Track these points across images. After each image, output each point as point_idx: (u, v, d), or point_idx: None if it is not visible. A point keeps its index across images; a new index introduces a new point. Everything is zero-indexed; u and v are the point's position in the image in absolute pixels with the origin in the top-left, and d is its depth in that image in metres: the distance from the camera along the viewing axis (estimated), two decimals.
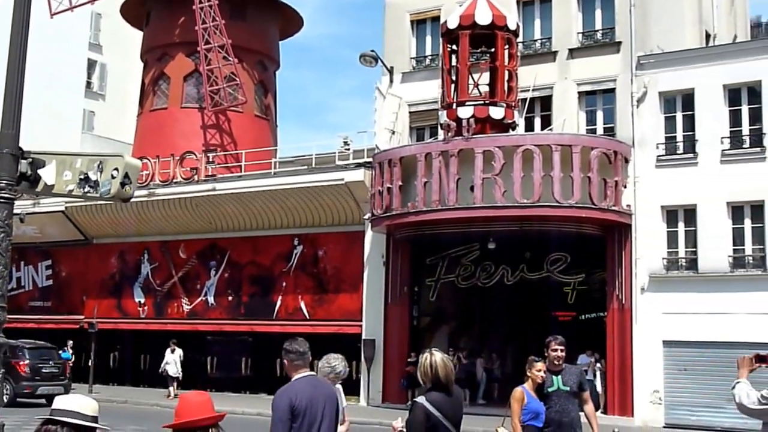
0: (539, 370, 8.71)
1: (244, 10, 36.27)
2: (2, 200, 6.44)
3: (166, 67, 36.53)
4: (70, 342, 31.67)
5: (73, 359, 31.06)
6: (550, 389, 8.78)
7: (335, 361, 7.89)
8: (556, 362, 8.88)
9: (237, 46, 34.41)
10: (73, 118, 44.40)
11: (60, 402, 4.23)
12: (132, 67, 44.23)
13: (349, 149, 29.56)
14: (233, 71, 34.35)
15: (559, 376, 8.85)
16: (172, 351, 29.52)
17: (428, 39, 29.11)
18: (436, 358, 6.33)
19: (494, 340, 28.47)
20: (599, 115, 25.92)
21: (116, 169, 6.59)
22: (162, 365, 29.47)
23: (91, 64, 47.78)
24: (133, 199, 7.51)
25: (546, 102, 26.48)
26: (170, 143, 33.45)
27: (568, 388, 8.82)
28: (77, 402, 4.23)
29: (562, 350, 8.92)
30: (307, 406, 6.25)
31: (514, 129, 25.67)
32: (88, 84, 47.65)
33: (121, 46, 46.78)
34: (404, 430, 6.43)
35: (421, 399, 6.29)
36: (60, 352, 29.71)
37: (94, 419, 4.21)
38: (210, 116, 35.29)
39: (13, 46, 6.64)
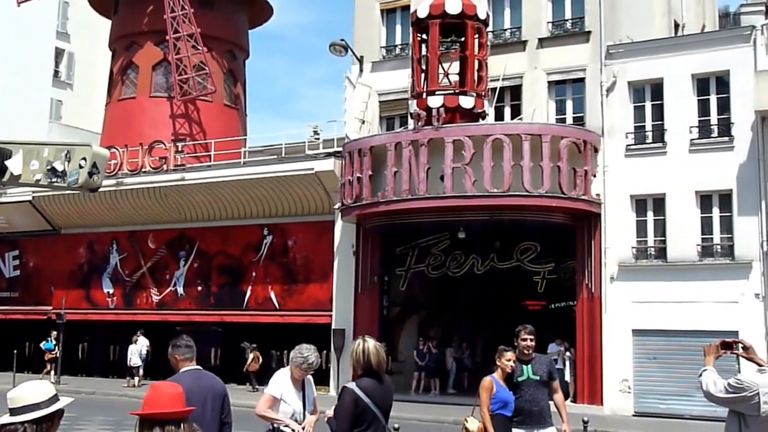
0: (509, 360, 8.70)
1: None
2: None
3: (135, 56, 36.16)
4: (54, 332, 31.04)
5: (57, 351, 30.66)
6: (519, 378, 8.78)
7: (307, 352, 7.85)
8: (525, 351, 8.91)
9: (206, 35, 34.17)
10: (41, 107, 43.93)
11: (14, 399, 4.09)
12: (100, 56, 43.80)
13: (318, 139, 29.37)
14: (202, 60, 34.11)
15: (529, 366, 8.86)
16: (135, 342, 29.52)
17: (398, 28, 28.91)
18: (369, 345, 6.34)
19: (464, 329, 28.49)
20: (569, 105, 25.85)
21: (84, 158, 6.48)
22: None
23: (59, 53, 47.20)
24: (101, 189, 7.37)
25: (516, 91, 26.40)
26: (139, 132, 33.15)
27: (537, 378, 8.82)
28: (30, 392, 4.10)
29: (531, 340, 8.93)
30: (187, 398, 6.16)
31: (484, 118, 25.56)
32: (56, 73, 47.09)
33: (89, 34, 46.23)
34: None
35: (351, 385, 6.32)
36: (42, 343, 29.46)
37: (52, 400, 4.11)
38: (179, 105, 35.00)
39: None
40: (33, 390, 4.12)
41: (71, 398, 4.31)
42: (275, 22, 65.41)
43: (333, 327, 27.29)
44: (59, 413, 4.15)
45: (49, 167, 6.51)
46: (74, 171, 6.46)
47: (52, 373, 30.54)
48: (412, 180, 24.02)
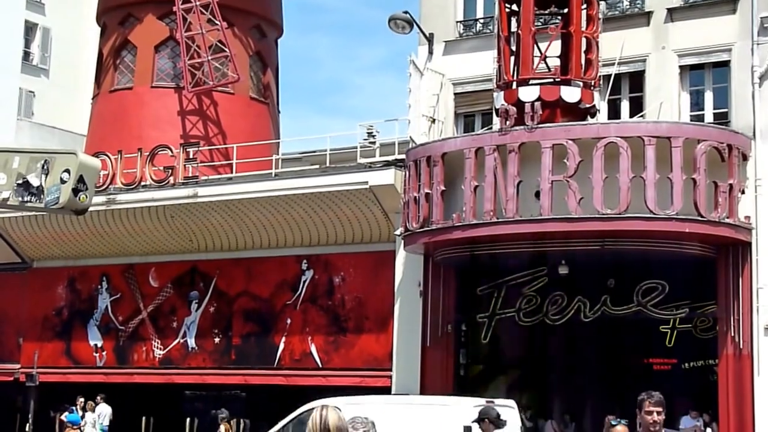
0: None
1: None
2: None
3: (132, 33, 37.20)
4: (80, 399, 31.28)
5: (82, 424, 30.34)
6: None
7: (362, 427, 8.14)
8: (652, 429, 8.65)
9: (226, 6, 35.08)
10: (6, 100, 44.81)
11: None
12: (85, 32, 44.89)
13: (374, 143, 29.96)
14: (221, 39, 34.91)
15: None
16: (91, 410, 30.90)
17: None
18: (329, 416, 6.63)
19: (568, 395, 28.75)
20: (708, 98, 26.19)
21: (67, 170, 6.83)
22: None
23: (30, 29, 48.31)
24: (74, 215, 7.41)
25: (636, 80, 26.72)
26: (137, 134, 34.21)
27: None
28: None
29: (659, 413, 8.60)
30: None
31: (593, 116, 25.91)
32: (26, 55, 48.20)
33: (71, 4, 47.43)
34: None
35: None
36: (64, 414, 29.78)
37: None
38: (190, 99, 36.00)
39: None
40: None
41: None
42: None
43: (393, 391, 27.70)
44: None
45: (20, 181, 6.85)
46: (54, 187, 6.82)
47: None
48: (497, 197, 24.32)
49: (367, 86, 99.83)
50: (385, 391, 27.74)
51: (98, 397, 31.69)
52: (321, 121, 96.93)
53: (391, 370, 28.28)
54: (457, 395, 26.86)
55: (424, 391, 27.29)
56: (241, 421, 31.46)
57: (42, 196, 6.45)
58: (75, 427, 29.52)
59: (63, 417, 29.83)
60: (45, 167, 6.49)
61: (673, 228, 23.57)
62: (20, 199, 6.50)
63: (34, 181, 6.48)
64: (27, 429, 31.92)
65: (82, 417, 29.48)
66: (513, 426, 19.90)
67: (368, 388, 27.73)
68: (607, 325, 26.42)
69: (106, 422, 31.48)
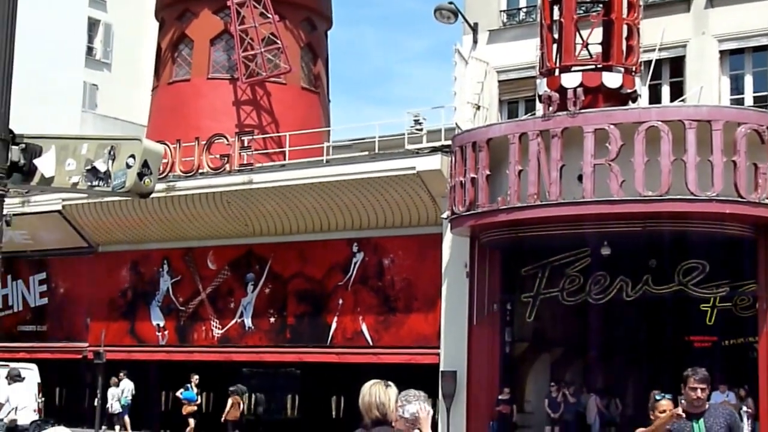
0: (663, 411, 8.72)
1: None
2: None
3: (188, 27, 37.25)
4: (195, 377, 31.38)
5: (198, 400, 31.29)
6: None
7: (415, 400, 7.88)
8: (696, 404, 8.76)
9: (278, 0, 35.01)
10: (71, 93, 45.26)
11: None
12: (145, 27, 45.02)
13: (421, 130, 29.84)
14: (273, 32, 34.95)
15: (701, 420, 8.71)
16: (115, 385, 31.38)
17: None
18: (363, 388, 6.80)
19: (610, 371, 28.45)
20: (748, 81, 25.88)
21: (132, 156, 6.59)
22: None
23: (93, 25, 48.71)
24: (132, 198, 7.55)
25: (677, 65, 26.49)
26: (194, 124, 34.12)
27: None
28: None
29: (703, 389, 8.75)
30: None
31: (635, 101, 25.68)
32: (90, 50, 48.61)
33: (131, 0, 47.57)
34: None
35: None
36: (180, 392, 30.11)
37: None
38: (244, 89, 35.91)
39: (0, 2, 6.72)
40: None
41: None
42: None
43: (441, 368, 27.69)
44: None
45: (88, 167, 6.63)
46: (120, 172, 6.59)
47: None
48: (541, 181, 24.13)
49: (413, 75, 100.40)
50: (434, 368, 27.69)
51: (121, 373, 32.08)
52: (369, 110, 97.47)
53: (439, 347, 28.14)
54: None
55: (470, 368, 27.31)
56: (254, 395, 31.49)
57: (109, 181, 6.40)
58: (191, 403, 29.64)
59: (179, 394, 29.88)
60: (111, 153, 6.46)
61: (713, 209, 23.27)
62: (89, 183, 6.44)
63: (102, 167, 6.44)
64: (95, 404, 31.87)
65: (198, 394, 30.18)
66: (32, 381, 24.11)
67: (417, 365, 27.63)
68: (648, 303, 26.14)
69: (129, 396, 31.84)
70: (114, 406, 31.56)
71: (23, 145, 6.74)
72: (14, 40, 6.77)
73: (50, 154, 6.76)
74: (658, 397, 8.77)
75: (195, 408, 29.84)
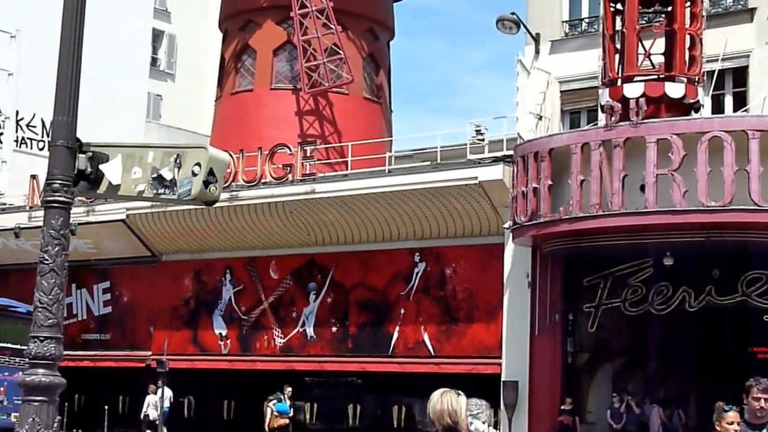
0: (731, 423, 8.59)
1: None
2: (57, 204, 6.56)
3: (252, 38, 37.58)
4: (289, 389, 30.35)
5: (291, 413, 30.18)
6: None
7: (477, 409, 7.95)
8: (758, 414, 8.67)
9: (340, 11, 35.22)
10: (135, 103, 45.81)
11: None
12: (208, 38, 45.47)
13: (483, 140, 29.84)
14: (336, 42, 35.10)
15: (764, 431, 8.70)
16: (153, 393, 31.91)
17: None
18: (433, 396, 6.82)
19: (673, 382, 28.33)
20: None
21: (198, 164, 6.64)
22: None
23: (157, 36, 49.22)
24: (197, 207, 7.65)
25: (740, 75, 26.44)
26: (257, 134, 34.41)
27: None
28: None
29: (767, 399, 8.66)
30: None
31: (697, 111, 25.61)
32: (154, 61, 49.11)
33: (194, 12, 48.17)
34: None
35: None
36: (272, 402, 29.37)
37: None
38: (307, 100, 36.17)
39: (68, 14, 6.87)
40: None
41: None
42: None
43: (503, 378, 27.75)
44: None
45: (154, 175, 6.72)
46: (186, 180, 6.67)
47: None
48: (603, 191, 24.18)
49: (475, 86, 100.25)
50: (495, 378, 27.76)
51: (159, 381, 32.35)
52: (431, 120, 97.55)
53: (500, 357, 28.18)
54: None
55: (532, 378, 27.39)
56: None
57: (175, 188, 6.44)
58: (284, 416, 29.53)
59: (271, 405, 29.73)
60: (177, 161, 6.49)
61: None
62: (155, 191, 6.49)
63: (167, 175, 6.48)
64: (158, 412, 32.27)
65: (291, 407, 29.72)
66: None
67: (479, 375, 27.69)
68: (711, 314, 25.95)
69: (167, 404, 32.28)
70: (151, 413, 32.01)
71: (90, 154, 6.81)
72: (81, 51, 6.90)
73: (116, 163, 6.88)
74: (726, 409, 8.71)
75: (287, 421, 29.39)
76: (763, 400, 8.70)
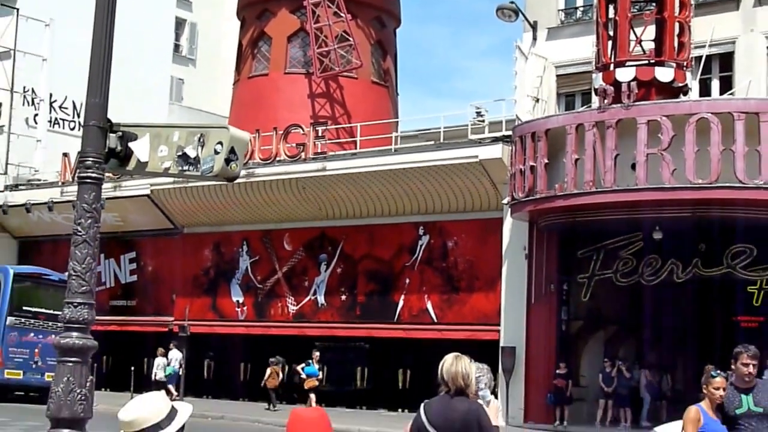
0: (718, 387, 8.48)
1: None
2: (89, 180, 6.49)
3: (267, 25, 37.41)
4: (317, 353, 30.40)
5: (320, 376, 30.10)
6: (738, 411, 8.51)
7: (479, 373, 7.93)
8: (746, 378, 8.56)
9: (350, 0, 35.01)
10: (159, 86, 45.61)
11: (131, 422, 4.25)
12: (226, 26, 45.41)
13: (483, 121, 29.78)
14: (346, 30, 35.01)
15: (750, 395, 8.54)
16: (162, 355, 32.04)
17: None
18: (447, 358, 6.72)
19: (662, 349, 28.24)
20: None
21: (220, 143, 6.62)
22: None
23: (179, 24, 49.12)
24: (219, 182, 7.57)
25: (726, 60, 26.22)
26: (272, 115, 34.22)
27: (761, 409, 8.49)
28: (146, 411, 4.27)
29: (754, 366, 8.56)
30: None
31: (686, 94, 25.47)
32: (176, 47, 49.03)
33: (214, 1, 47.97)
34: None
35: (422, 405, 6.76)
36: (301, 366, 29.52)
37: (171, 415, 4.30)
38: (319, 83, 36.01)
39: (100, 4, 6.82)
40: (148, 407, 4.26)
41: (190, 405, 4.49)
42: None
43: (501, 344, 27.66)
44: (182, 430, 4.35)
45: (179, 153, 6.66)
46: (209, 157, 6.62)
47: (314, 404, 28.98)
48: (596, 169, 24.14)
49: (476, 70, 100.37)
50: (494, 344, 27.66)
51: (171, 344, 32.56)
52: (435, 102, 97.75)
53: (499, 325, 28.08)
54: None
55: (529, 344, 27.35)
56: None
57: (198, 166, 6.45)
58: (313, 378, 29.46)
59: (300, 369, 29.65)
60: (201, 140, 6.52)
61: (761, 196, 23.13)
62: (180, 168, 6.50)
63: (191, 153, 6.49)
64: (180, 373, 32.27)
65: (320, 370, 29.65)
66: None
67: (478, 341, 27.62)
68: (697, 285, 25.89)
69: (177, 366, 32.30)
70: (158, 374, 31.98)
71: (120, 133, 6.81)
72: (113, 39, 6.87)
73: (144, 141, 6.84)
74: (714, 374, 8.58)
75: (316, 383, 29.16)
76: (751, 366, 8.60)
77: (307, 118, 34.54)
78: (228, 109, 39.79)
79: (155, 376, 32.00)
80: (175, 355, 32.51)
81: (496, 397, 10.37)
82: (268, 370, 30.68)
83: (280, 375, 30.84)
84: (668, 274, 25.83)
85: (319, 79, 35.80)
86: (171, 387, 31.38)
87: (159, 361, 32.30)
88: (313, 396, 28.87)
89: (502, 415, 16.32)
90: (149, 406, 4.28)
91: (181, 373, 32.44)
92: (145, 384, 32.05)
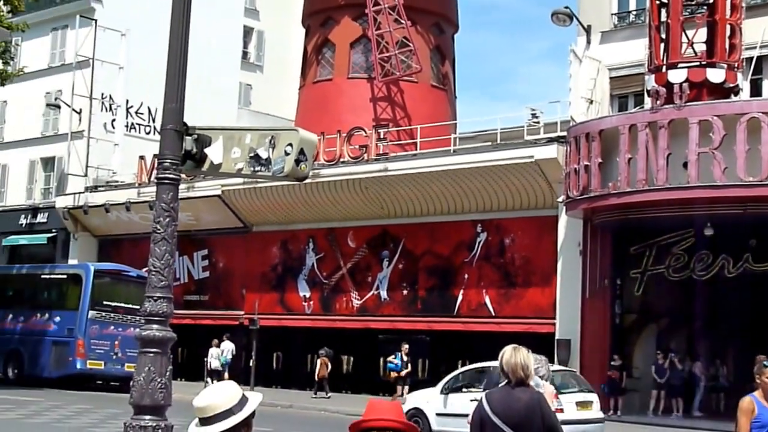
0: None
1: None
2: (167, 181, 6.56)
3: (331, 32, 37.56)
4: (406, 346, 29.37)
5: (410, 369, 29.18)
6: None
7: (537, 364, 7.93)
8: None
9: (410, 7, 35.09)
10: (229, 91, 45.92)
11: (204, 408, 4.35)
12: (292, 34, 45.54)
13: (539, 122, 29.74)
14: (406, 36, 35.04)
15: None
16: (218, 346, 32.62)
17: None
18: (505, 350, 6.67)
19: (713, 341, 27.91)
20: None
21: (290, 144, 6.64)
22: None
23: (247, 32, 49.39)
24: (289, 182, 7.60)
25: None
26: (336, 118, 34.32)
27: None
28: (218, 398, 4.34)
29: None
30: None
31: (736, 94, 25.17)
32: (244, 54, 49.31)
33: (280, 10, 48.27)
34: None
35: (483, 395, 6.70)
36: (389, 358, 29.16)
37: (242, 402, 4.37)
38: (380, 87, 36.08)
39: (176, 15, 6.91)
40: (221, 395, 4.34)
41: (260, 394, 4.53)
42: None
43: (557, 337, 27.52)
44: (252, 415, 4.40)
45: (252, 155, 6.70)
46: (279, 159, 6.65)
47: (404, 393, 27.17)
48: (649, 168, 23.93)
49: (531, 74, 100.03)
50: (550, 337, 27.54)
51: (224, 336, 32.94)
52: (492, 105, 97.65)
53: (554, 318, 27.99)
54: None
55: (583, 337, 27.21)
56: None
57: (270, 166, 6.50)
58: (396, 372, 29.24)
59: (388, 360, 29.30)
60: (272, 142, 6.56)
61: None
62: (252, 169, 6.56)
63: (263, 154, 6.55)
64: (250, 364, 32.49)
65: (406, 364, 28.87)
66: None
67: (535, 334, 27.49)
68: (748, 279, 25.49)
69: (229, 356, 32.90)
70: (213, 363, 32.54)
71: (195, 136, 6.87)
72: (187, 49, 6.95)
73: (218, 144, 6.89)
74: (766, 364, 8.50)
75: (399, 375, 28.39)
76: None
77: (370, 121, 34.62)
78: (294, 112, 39.96)
79: (210, 365, 32.60)
80: (228, 345, 33.10)
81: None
82: (318, 362, 31.21)
83: (329, 365, 31.19)
84: (719, 269, 25.56)
85: (381, 83, 35.88)
86: (225, 375, 31.77)
87: (213, 351, 32.83)
88: (399, 388, 28.19)
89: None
90: (222, 393, 4.36)
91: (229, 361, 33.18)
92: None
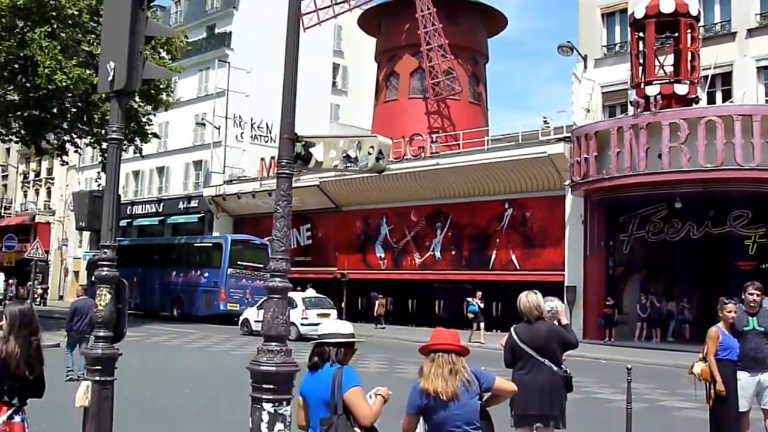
0: (730, 311, 8.31)
1: (457, 14, 36.50)
2: (284, 175, 6.52)
3: (396, 65, 37.34)
4: (479, 293, 26.00)
5: (478, 311, 25.28)
6: (745, 328, 8.33)
7: (551, 301, 7.69)
8: (752, 304, 8.38)
9: (452, 45, 34.77)
10: (323, 110, 46.07)
11: (323, 328, 4.88)
12: (368, 67, 45.41)
13: (549, 127, 29.30)
14: (450, 66, 34.82)
15: (755, 318, 8.40)
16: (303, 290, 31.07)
17: (617, 29, 28.39)
18: (521, 296, 6.66)
19: (682, 287, 27.38)
20: None
21: (372, 147, 6.63)
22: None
23: (336, 67, 49.45)
24: (371, 174, 7.60)
25: (726, 78, 25.24)
26: (401, 128, 34.17)
27: (762, 329, 8.33)
28: (336, 327, 4.83)
29: (758, 294, 8.38)
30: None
31: (697, 103, 24.54)
32: (334, 83, 49.35)
33: (359, 51, 48.10)
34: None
35: (512, 328, 6.77)
36: (469, 300, 25.84)
37: (349, 336, 4.80)
38: (432, 104, 35.80)
39: (289, 56, 6.92)
40: (338, 326, 4.84)
41: (363, 340, 4.92)
42: (510, 30, 65.50)
43: (566, 284, 27.16)
44: (352, 346, 4.79)
45: (344, 155, 6.68)
46: (364, 157, 6.62)
47: (481, 332, 24.62)
48: (633, 159, 23.52)
49: (543, 91, 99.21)
50: (560, 284, 27.08)
51: (308, 285, 32.05)
52: (515, 115, 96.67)
53: (564, 270, 27.60)
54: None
55: (586, 284, 26.79)
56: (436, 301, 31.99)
57: (357, 163, 6.59)
58: (473, 314, 28.61)
59: (468, 306, 27.74)
60: (358, 145, 6.65)
61: (754, 175, 22.23)
62: (345, 165, 6.71)
63: (352, 154, 6.62)
64: (342, 305, 32.48)
65: (480, 309, 25.25)
66: None
67: (549, 282, 27.14)
68: (708, 240, 25.03)
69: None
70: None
71: (303, 142, 6.91)
72: (296, 80, 6.99)
73: (320, 147, 6.86)
74: (726, 301, 8.42)
75: (474, 316, 25.09)
76: (755, 294, 8.45)
77: (425, 129, 34.43)
78: (370, 124, 39.90)
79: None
80: (310, 293, 32.13)
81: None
82: (376, 303, 31.45)
83: (385, 305, 31.44)
84: (686, 233, 25.17)
85: (433, 101, 35.61)
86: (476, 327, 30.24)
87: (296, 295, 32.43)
88: (475, 325, 24.91)
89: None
90: (339, 325, 4.86)
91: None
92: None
